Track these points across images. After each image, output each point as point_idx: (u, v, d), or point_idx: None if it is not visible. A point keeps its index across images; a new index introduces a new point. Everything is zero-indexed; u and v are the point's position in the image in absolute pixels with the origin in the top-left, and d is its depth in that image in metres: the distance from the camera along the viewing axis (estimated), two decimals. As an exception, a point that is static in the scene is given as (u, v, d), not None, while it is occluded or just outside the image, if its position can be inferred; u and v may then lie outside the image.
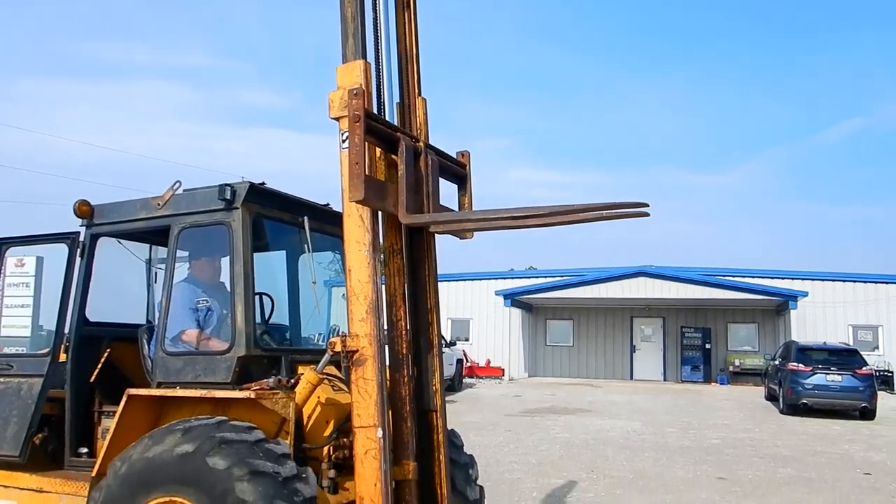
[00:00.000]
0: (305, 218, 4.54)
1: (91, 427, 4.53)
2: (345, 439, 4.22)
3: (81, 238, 4.58)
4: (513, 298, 26.24)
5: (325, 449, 4.12)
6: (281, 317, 5.12)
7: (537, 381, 26.93)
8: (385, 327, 4.14)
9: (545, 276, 27.43)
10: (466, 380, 24.92)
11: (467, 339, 28.29)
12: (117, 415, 3.97)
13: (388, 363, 4.30)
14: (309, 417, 4.30)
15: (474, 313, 28.69)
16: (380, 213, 3.99)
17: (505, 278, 28.19)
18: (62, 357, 4.49)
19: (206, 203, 4.24)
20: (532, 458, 10.93)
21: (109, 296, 5.25)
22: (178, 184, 4.39)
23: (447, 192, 4.56)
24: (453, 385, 21.87)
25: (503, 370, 26.49)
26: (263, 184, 4.36)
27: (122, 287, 5.45)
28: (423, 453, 4.31)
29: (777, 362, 19.31)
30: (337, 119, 4.03)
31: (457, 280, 28.85)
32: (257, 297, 4.86)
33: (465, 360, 24.46)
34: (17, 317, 35.34)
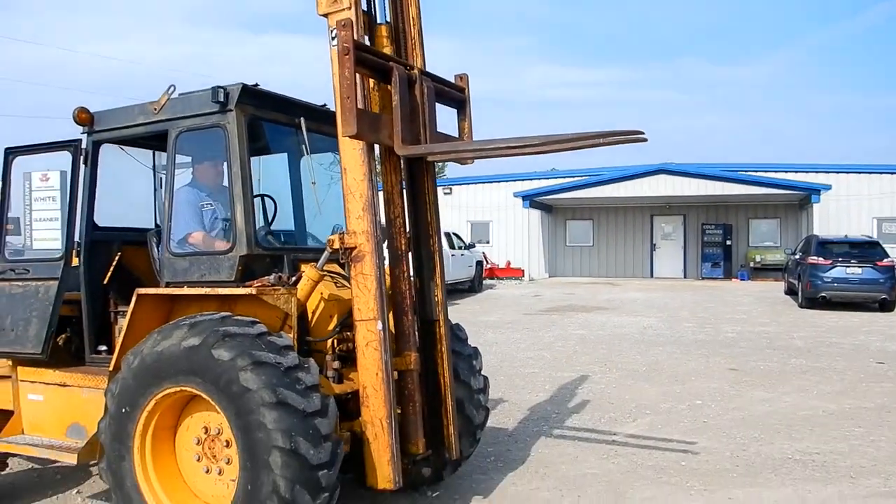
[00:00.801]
0: (302, 119, 4.54)
1: (108, 326, 4.72)
2: (348, 333, 4.36)
3: (83, 145, 4.63)
4: (531, 200, 26.19)
5: (330, 342, 4.27)
6: (285, 218, 5.20)
7: (557, 281, 27.20)
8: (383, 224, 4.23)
9: (564, 177, 27.24)
10: (487, 281, 25.24)
11: (487, 242, 28.48)
12: (128, 313, 4.13)
13: (386, 259, 4.41)
14: (313, 313, 4.44)
15: (494, 216, 28.74)
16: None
17: (524, 179, 28.01)
18: (75, 261, 4.63)
19: (200, 106, 4.25)
20: (547, 354, 11.20)
21: (118, 202, 5.35)
22: (172, 88, 4.39)
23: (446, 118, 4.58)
24: (473, 286, 22.19)
25: (523, 271, 26.75)
26: (257, 85, 4.35)
27: (130, 193, 5.55)
28: (426, 360, 4.49)
29: (797, 256, 19.27)
30: (325, 16, 3.98)
31: (476, 183, 28.78)
32: (259, 199, 4.94)
33: (485, 262, 24.69)
34: (48, 230, 36.80)
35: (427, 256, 4.55)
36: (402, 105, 4.05)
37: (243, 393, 3.47)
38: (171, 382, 3.68)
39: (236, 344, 3.57)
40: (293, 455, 3.40)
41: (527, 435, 6.64)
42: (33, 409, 4.61)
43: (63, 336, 4.78)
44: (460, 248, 21.37)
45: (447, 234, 20.96)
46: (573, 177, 27.15)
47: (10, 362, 4.72)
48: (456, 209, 28.61)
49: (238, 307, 4.12)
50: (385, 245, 4.40)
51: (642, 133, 3.54)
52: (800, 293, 18.08)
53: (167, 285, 4.31)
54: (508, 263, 27.67)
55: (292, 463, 3.40)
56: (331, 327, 4.36)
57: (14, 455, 4.72)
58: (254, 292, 3.91)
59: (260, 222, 4.93)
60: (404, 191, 4.46)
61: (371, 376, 3.97)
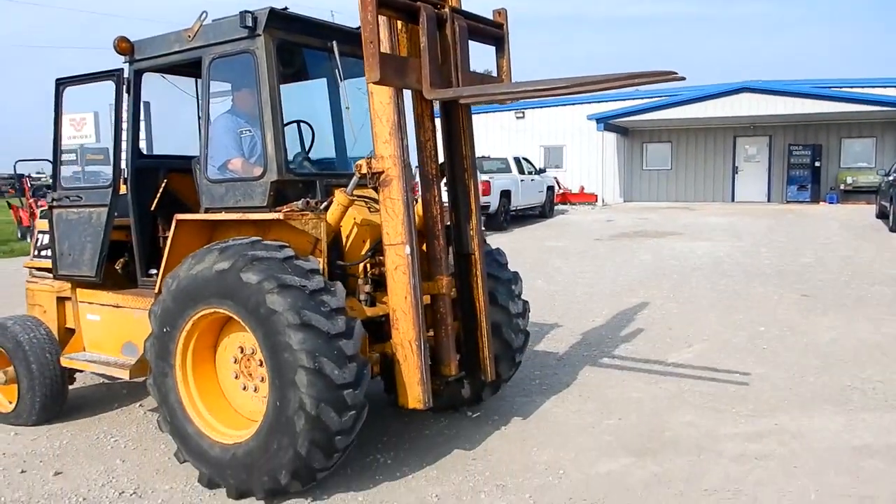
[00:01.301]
0: (334, 42, 4.49)
1: (159, 251, 4.92)
2: (380, 257, 4.41)
3: (125, 74, 4.73)
4: (606, 122, 25.41)
5: (361, 266, 4.33)
6: (325, 144, 5.22)
7: (632, 206, 26.58)
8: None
9: (641, 98, 26.17)
10: (559, 207, 24.93)
11: (560, 167, 27.96)
12: (169, 238, 4.28)
13: (418, 183, 4.39)
14: (347, 237, 4.50)
15: (567, 140, 28.09)
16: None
17: (599, 102, 27.11)
18: (123, 189, 4.81)
19: (230, 32, 4.25)
20: (609, 281, 11.06)
21: (168, 130, 5.48)
22: (204, 14, 4.40)
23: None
24: (544, 212, 21.97)
25: (596, 196, 26.25)
26: (286, 9, 4.30)
27: (179, 121, 5.67)
28: (462, 288, 4.52)
29: (891, 178, 18.13)
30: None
31: (549, 106, 28.07)
32: (296, 125, 4.97)
33: (556, 188, 24.33)
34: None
35: (462, 192, 4.53)
36: (430, 47, 3.95)
37: (270, 315, 3.57)
38: (205, 304, 3.82)
39: (264, 268, 3.66)
40: (318, 374, 3.51)
41: (576, 360, 6.64)
42: (92, 329, 4.90)
43: (121, 260, 5.02)
44: (530, 173, 21.09)
45: (517, 160, 20.70)
46: (650, 98, 26.09)
47: (69, 284, 5.01)
48: (528, 134, 28.12)
49: (272, 232, 4.21)
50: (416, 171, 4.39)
51: (677, 73, 3.41)
52: (891, 216, 17.09)
53: (206, 211, 4.43)
54: (582, 189, 27.17)
55: (317, 382, 3.51)
56: (363, 252, 4.40)
57: (80, 370, 5.05)
58: (280, 217, 3.98)
59: (297, 148, 4.98)
60: (437, 125, 4.42)
61: (400, 300, 4.01)
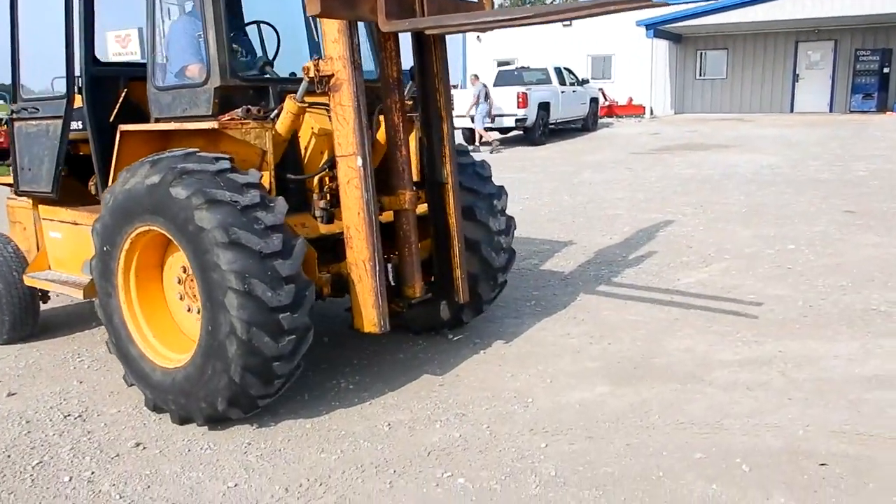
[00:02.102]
0: None
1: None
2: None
3: None
4: (657, 29, 23.94)
5: (317, 180, 4.00)
6: (297, 50, 4.84)
7: (683, 118, 25.33)
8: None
9: (694, 1, 24.50)
10: (605, 120, 23.95)
11: (608, 77, 26.74)
12: (115, 152, 4.02)
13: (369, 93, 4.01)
14: (305, 149, 4.17)
15: (616, 48, 26.71)
16: None
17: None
18: (78, 100, 4.53)
19: None
20: (641, 195, 10.51)
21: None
22: None
23: None
24: (587, 125, 21.11)
25: (645, 108, 25.07)
26: None
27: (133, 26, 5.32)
28: (436, 218, 4.24)
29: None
30: None
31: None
32: (255, 27, 4.59)
33: (602, 99, 23.31)
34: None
35: (435, 116, 4.15)
36: None
37: (198, 232, 3.31)
38: (140, 221, 3.57)
39: (193, 181, 3.37)
40: (248, 297, 3.25)
41: (581, 279, 6.27)
42: (55, 246, 4.74)
43: (92, 177, 4.80)
44: (572, 84, 20.16)
45: (558, 70, 19.78)
46: (705, 0, 24.42)
47: (31, 201, 4.84)
48: (574, 43, 26.80)
49: (221, 144, 3.91)
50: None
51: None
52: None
53: (155, 122, 4.14)
54: (630, 100, 25.97)
55: (248, 305, 3.26)
56: (321, 164, 4.08)
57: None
58: (216, 126, 3.66)
59: (260, 53, 4.61)
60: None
61: (353, 216, 3.69)
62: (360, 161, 3.64)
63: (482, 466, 3.24)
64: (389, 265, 4.16)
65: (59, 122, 4.49)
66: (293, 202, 4.00)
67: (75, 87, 4.49)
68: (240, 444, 3.48)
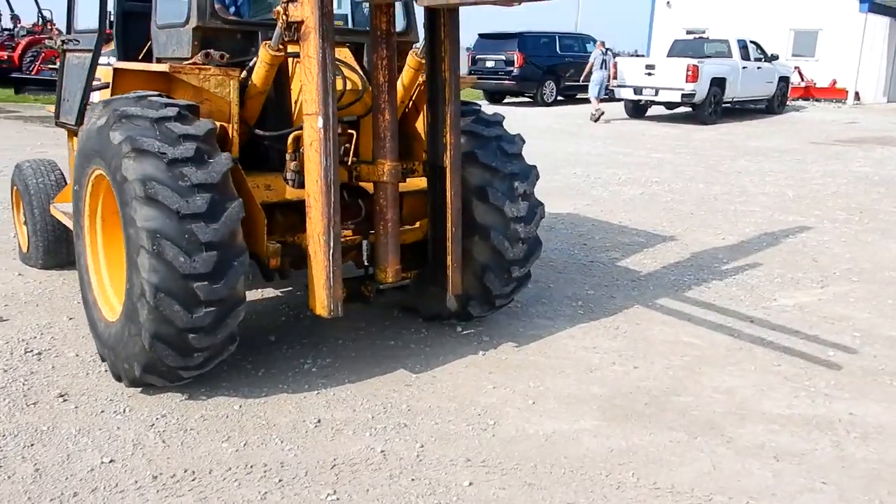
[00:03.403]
0: None
1: None
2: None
3: None
4: (873, 2, 20.89)
5: (291, 138, 3.57)
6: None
7: (894, 107, 22.13)
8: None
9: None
10: (798, 102, 21.46)
11: (812, 56, 23.85)
12: (109, 90, 3.84)
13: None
14: (295, 103, 3.76)
15: (824, 22, 23.66)
16: None
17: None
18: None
19: None
20: (791, 192, 9.14)
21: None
22: None
23: None
24: (772, 107, 18.98)
25: (847, 92, 22.12)
26: None
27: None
28: (433, 202, 3.76)
29: None
30: None
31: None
32: None
33: (798, 79, 20.85)
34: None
35: (439, 94, 3.63)
36: None
37: (122, 182, 3.04)
38: (94, 164, 3.37)
39: (130, 127, 3.09)
40: (159, 259, 2.94)
41: (654, 283, 5.43)
42: (78, 180, 4.72)
43: None
44: (757, 59, 18.11)
45: (741, 43, 17.84)
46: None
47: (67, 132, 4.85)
48: (776, 15, 24.07)
49: (195, 91, 3.60)
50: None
51: None
52: None
53: (157, 61, 3.91)
54: (833, 83, 23.01)
55: (159, 268, 2.95)
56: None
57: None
58: (166, 69, 3.34)
59: None
60: None
61: (312, 182, 3.26)
62: (320, 121, 3.18)
63: (378, 496, 2.74)
64: (365, 242, 3.71)
65: (90, 55, 4.41)
66: (273, 161, 3.64)
67: (107, 22, 4.37)
68: (155, 413, 3.22)
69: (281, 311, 4.55)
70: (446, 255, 3.72)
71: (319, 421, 3.26)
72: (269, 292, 4.80)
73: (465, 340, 4.23)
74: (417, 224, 4.01)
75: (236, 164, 3.46)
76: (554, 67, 20.84)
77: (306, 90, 3.20)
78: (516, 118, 17.54)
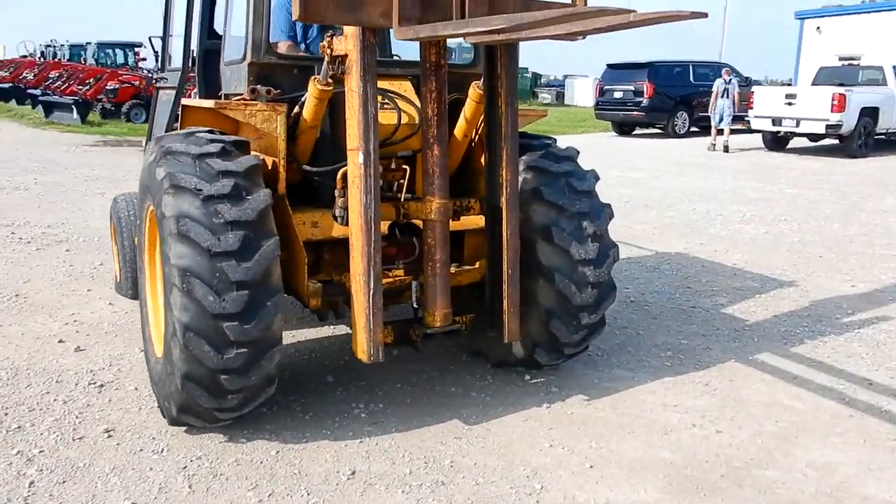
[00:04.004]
0: None
1: None
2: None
3: None
4: None
5: (340, 174, 3.46)
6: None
7: None
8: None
9: None
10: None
11: None
12: (178, 126, 3.93)
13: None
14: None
15: None
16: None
17: None
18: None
19: None
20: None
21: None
22: None
23: None
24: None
25: None
26: None
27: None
28: (490, 242, 3.54)
29: None
30: None
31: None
32: None
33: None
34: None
35: (495, 131, 3.43)
36: None
37: (162, 218, 3.03)
38: (147, 199, 3.41)
39: (173, 163, 3.09)
40: (190, 298, 2.88)
41: (761, 334, 4.88)
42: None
43: None
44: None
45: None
46: None
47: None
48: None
49: (244, 128, 3.60)
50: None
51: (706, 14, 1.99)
52: None
53: (225, 97, 3.95)
54: None
55: (189, 307, 2.89)
56: None
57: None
58: (212, 106, 3.32)
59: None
60: None
61: (354, 220, 3.13)
62: (361, 157, 3.05)
63: (391, 565, 2.51)
64: (415, 283, 3.52)
65: (174, 91, 4.56)
66: (325, 198, 3.55)
67: (189, 60, 4.51)
68: (191, 455, 3.16)
69: (345, 350, 4.43)
70: (501, 299, 3.46)
71: (354, 473, 3.08)
72: (331, 331, 4.70)
73: (532, 390, 3.93)
74: (477, 265, 3.79)
75: (282, 200, 3.40)
76: (687, 97, 20.01)
77: (349, 125, 3.09)
78: (645, 150, 16.94)
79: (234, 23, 3.89)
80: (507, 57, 3.33)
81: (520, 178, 3.75)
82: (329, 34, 3.10)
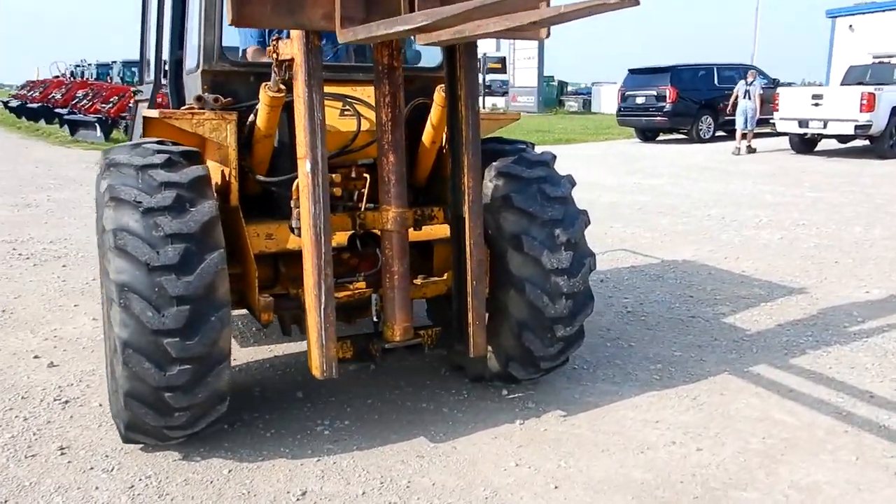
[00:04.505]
0: None
1: None
2: (333, 175, 3.41)
3: None
4: None
5: (295, 185, 3.35)
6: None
7: None
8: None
9: None
10: None
11: None
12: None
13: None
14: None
15: None
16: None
17: None
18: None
19: None
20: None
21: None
22: None
23: None
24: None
25: None
26: None
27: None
28: (455, 253, 3.39)
29: None
30: None
31: None
32: None
33: None
34: (527, 69, 38.30)
35: (456, 136, 3.28)
36: None
37: (102, 232, 2.95)
38: (98, 213, 3.33)
39: (116, 175, 3.01)
40: (128, 313, 2.79)
41: (761, 345, 4.65)
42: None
43: None
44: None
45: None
46: None
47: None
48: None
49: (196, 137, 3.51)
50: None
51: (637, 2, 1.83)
52: None
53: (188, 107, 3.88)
54: None
55: (129, 322, 2.80)
56: None
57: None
58: (156, 115, 3.24)
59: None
60: None
61: (304, 231, 3.02)
62: (308, 165, 2.94)
63: None
64: (375, 297, 3.39)
65: (146, 104, 4.51)
66: (285, 209, 3.45)
67: (161, 72, 4.46)
68: (140, 473, 3.07)
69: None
70: (465, 311, 3.31)
71: (304, 493, 2.95)
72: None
73: (507, 406, 3.77)
74: (445, 276, 3.65)
75: (235, 211, 3.30)
76: (711, 101, 19.62)
77: (297, 132, 2.98)
78: (667, 156, 16.61)
79: (192, 31, 3.82)
80: (466, 57, 3.19)
81: (491, 185, 3.63)
82: (275, 37, 3.00)
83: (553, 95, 40.48)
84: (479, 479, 3.07)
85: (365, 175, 3.42)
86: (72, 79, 27.04)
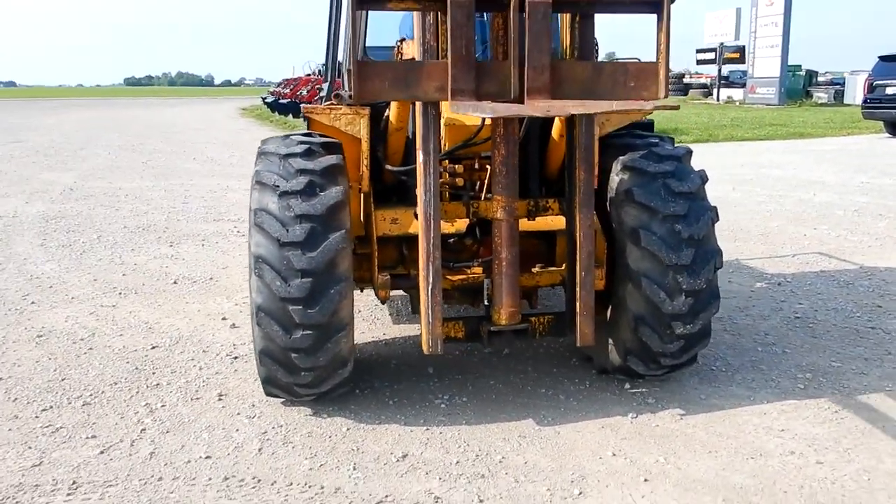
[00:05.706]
0: None
1: None
2: (457, 165, 3.64)
3: None
4: None
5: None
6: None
7: None
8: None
9: None
10: None
11: None
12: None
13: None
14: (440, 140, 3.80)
15: None
16: None
17: None
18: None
19: None
20: None
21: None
22: None
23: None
24: None
25: None
26: None
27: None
28: (568, 246, 3.48)
29: None
30: None
31: None
32: None
33: None
34: (769, 58, 35.74)
35: (571, 129, 3.37)
36: (455, 39, 2.87)
37: (249, 211, 3.42)
38: (256, 195, 3.84)
39: (265, 161, 3.48)
40: (261, 281, 3.24)
41: (939, 362, 4.14)
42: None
43: None
44: None
45: None
46: None
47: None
48: None
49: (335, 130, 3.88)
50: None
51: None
52: None
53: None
54: None
55: (263, 290, 3.24)
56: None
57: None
58: (302, 111, 3.63)
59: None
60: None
61: (419, 217, 3.28)
62: (421, 156, 3.18)
63: (390, 543, 2.62)
64: (487, 282, 3.56)
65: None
66: (413, 196, 3.74)
67: (335, 71, 4.95)
68: (274, 423, 3.52)
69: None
70: (575, 300, 3.38)
71: (405, 456, 3.22)
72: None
73: (626, 399, 3.76)
74: (564, 266, 3.72)
75: (367, 197, 3.65)
76: (980, 92, 17.01)
77: (417, 127, 3.24)
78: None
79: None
80: (580, 126, 3.27)
81: (616, 179, 3.65)
82: (399, 38, 3.28)
83: (798, 86, 37.23)
84: (571, 464, 3.13)
85: (487, 166, 3.59)
86: (318, 76, 29.81)
